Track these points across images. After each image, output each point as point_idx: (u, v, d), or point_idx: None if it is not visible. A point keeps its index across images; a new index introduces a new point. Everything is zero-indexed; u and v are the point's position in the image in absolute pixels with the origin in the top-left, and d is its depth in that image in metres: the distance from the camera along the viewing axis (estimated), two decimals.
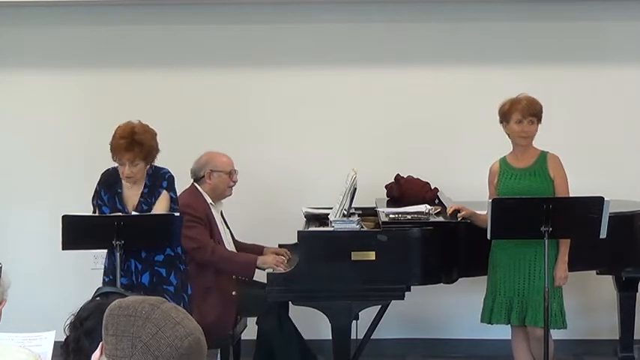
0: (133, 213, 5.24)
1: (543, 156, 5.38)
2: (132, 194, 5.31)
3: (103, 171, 5.39)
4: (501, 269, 5.32)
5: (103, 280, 5.35)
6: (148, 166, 5.29)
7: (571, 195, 5.32)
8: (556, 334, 5.39)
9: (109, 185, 5.32)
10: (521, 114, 5.30)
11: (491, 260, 5.37)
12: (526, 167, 5.36)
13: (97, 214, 5.28)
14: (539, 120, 5.35)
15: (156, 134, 5.27)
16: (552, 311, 5.20)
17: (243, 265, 5.59)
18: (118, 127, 5.25)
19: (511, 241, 5.26)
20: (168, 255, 5.30)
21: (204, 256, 5.49)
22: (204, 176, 5.66)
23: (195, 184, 5.68)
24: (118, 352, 1.94)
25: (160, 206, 5.27)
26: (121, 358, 1.94)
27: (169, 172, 5.36)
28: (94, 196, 5.36)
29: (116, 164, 5.27)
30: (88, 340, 2.37)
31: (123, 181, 5.29)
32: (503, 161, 5.44)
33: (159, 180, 5.32)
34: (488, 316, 5.37)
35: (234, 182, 5.72)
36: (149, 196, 5.30)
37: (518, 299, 5.28)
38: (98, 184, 5.36)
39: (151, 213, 5.29)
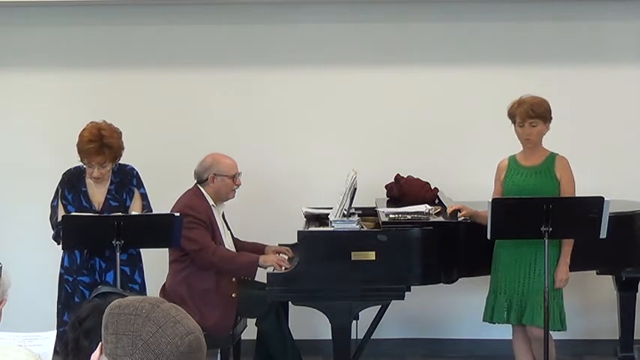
0: (134, 214, 5.27)
1: (552, 157, 5.38)
2: (98, 192, 5.40)
3: (64, 171, 5.48)
4: (503, 268, 5.32)
5: (67, 279, 5.40)
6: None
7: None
8: (556, 335, 5.39)
9: (72, 184, 5.41)
10: (521, 117, 5.30)
11: (494, 259, 5.37)
12: (533, 166, 5.37)
13: (62, 213, 5.33)
14: (545, 120, 5.33)
15: (121, 133, 5.37)
16: (551, 313, 5.20)
17: (245, 264, 5.57)
18: (84, 129, 5.34)
19: (514, 241, 5.26)
20: (130, 254, 5.40)
21: (206, 258, 5.48)
22: (207, 179, 5.64)
23: (199, 186, 5.67)
24: (118, 351, 1.95)
25: (137, 206, 5.41)
26: (122, 357, 1.94)
27: (134, 168, 5.50)
28: (55, 197, 5.43)
29: (79, 164, 5.36)
30: (87, 340, 2.37)
31: (87, 180, 5.37)
32: (512, 159, 5.44)
33: (127, 177, 5.45)
34: (490, 314, 5.38)
35: (238, 186, 5.70)
36: (116, 193, 5.41)
37: (518, 298, 5.28)
38: (60, 184, 5.45)
39: (151, 213, 5.36)
